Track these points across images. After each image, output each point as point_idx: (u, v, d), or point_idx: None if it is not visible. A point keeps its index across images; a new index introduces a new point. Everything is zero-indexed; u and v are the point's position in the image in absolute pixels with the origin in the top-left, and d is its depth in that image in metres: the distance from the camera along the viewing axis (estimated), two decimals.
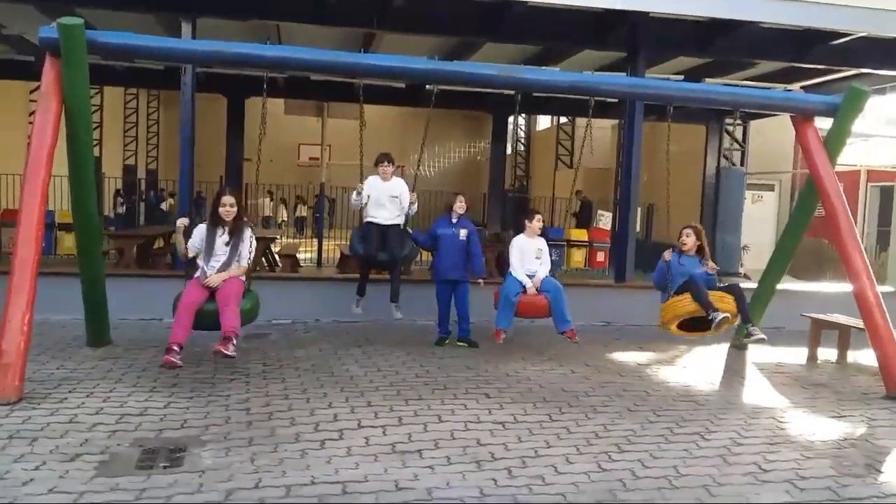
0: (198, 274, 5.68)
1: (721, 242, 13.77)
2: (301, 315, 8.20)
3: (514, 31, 9.15)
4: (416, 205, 7.02)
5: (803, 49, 9.76)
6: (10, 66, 12.63)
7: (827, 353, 7.32)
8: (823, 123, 6.59)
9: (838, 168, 6.71)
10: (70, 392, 4.99)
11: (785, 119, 7.32)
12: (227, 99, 14.62)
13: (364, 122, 6.79)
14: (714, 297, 6.08)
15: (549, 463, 4.06)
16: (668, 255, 6.44)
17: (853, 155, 16.91)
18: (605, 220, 12.87)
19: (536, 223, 6.98)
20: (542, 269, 6.81)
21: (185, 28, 8.34)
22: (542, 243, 6.97)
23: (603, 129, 19.03)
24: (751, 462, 4.21)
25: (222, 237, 5.73)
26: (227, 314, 5.37)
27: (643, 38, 9.13)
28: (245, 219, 6.01)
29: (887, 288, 9.37)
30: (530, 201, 18.29)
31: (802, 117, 6.57)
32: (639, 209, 10.79)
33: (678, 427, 4.81)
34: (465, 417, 4.82)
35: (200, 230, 5.79)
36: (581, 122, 21.62)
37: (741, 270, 13.85)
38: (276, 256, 11.96)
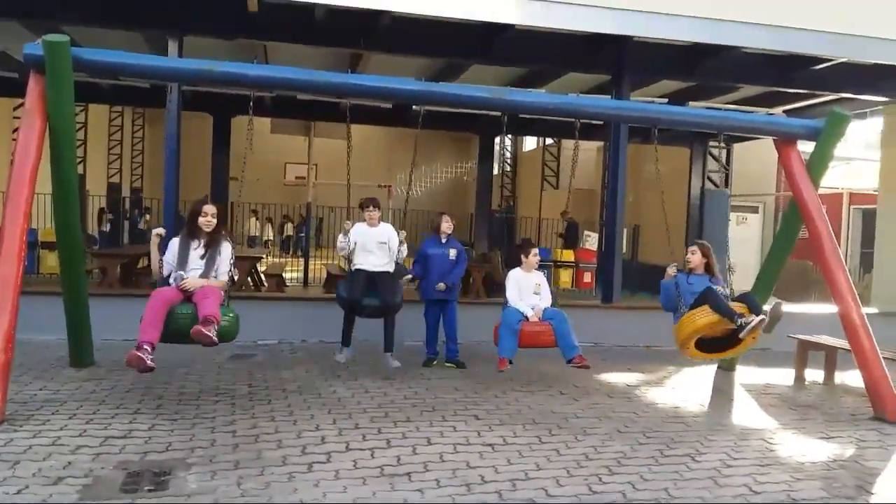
0: (173, 278, 5.29)
1: None
2: (287, 335, 8.13)
3: (500, 54, 9.22)
4: (405, 245, 6.73)
5: (785, 74, 9.91)
6: None
7: (814, 375, 7.36)
8: (806, 147, 6.67)
9: (821, 191, 6.78)
10: (53, 414, 4.89)
11: (768, 141, 7.41)
12: (213, 117, 14.57)
13: (351, 143, 6.50)
14: (734, 306, 5.75)
15: (540, 485, 4.02)
16: (671, 271, 6.23)
17: (836, 178, 17.18)
18: (591, 240, 12.91)
19: (533, 258, 6.74)
20: (543, 302, 6.55)
21: (172, 46, 8.33)
22: (540, 278, 6.77)
23: (588, 151, 19.17)
24: (742, 484, 4.20)
25: (197, 250, 5.37)
26: (206, 305, 4.94)
27: (628, 62, 9.25)
28: (224, 233, 5.66)
29: (872, 309, 9.45)
30: (517, 221, 18.32)
31: (785, 141, 6.64)
32: (624, 230, 10.83)
33: (668, 449, 4.80)
34: (455, 439, 4.78)
35: (174, 243, 5.42)
36: (567, 143, 21.80)
37: (727, 292, 13.94)
38: (262, 276, 11.87)
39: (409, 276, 7.16)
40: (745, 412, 6.00)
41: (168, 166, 8.37)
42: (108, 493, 3.65)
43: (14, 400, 5.02)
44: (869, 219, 15.38)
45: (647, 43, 9.00)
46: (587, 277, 12.81)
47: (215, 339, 4.87)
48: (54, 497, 3.55)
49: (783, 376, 7.42)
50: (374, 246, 6.60)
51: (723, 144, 14.23)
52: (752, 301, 5.90)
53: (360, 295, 6.33)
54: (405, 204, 6.96)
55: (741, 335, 5.59)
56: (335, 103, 12.39)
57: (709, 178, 14.91)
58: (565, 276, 12.60)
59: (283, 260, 16.60)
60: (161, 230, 5.52)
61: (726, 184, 15.08)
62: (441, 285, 7.05)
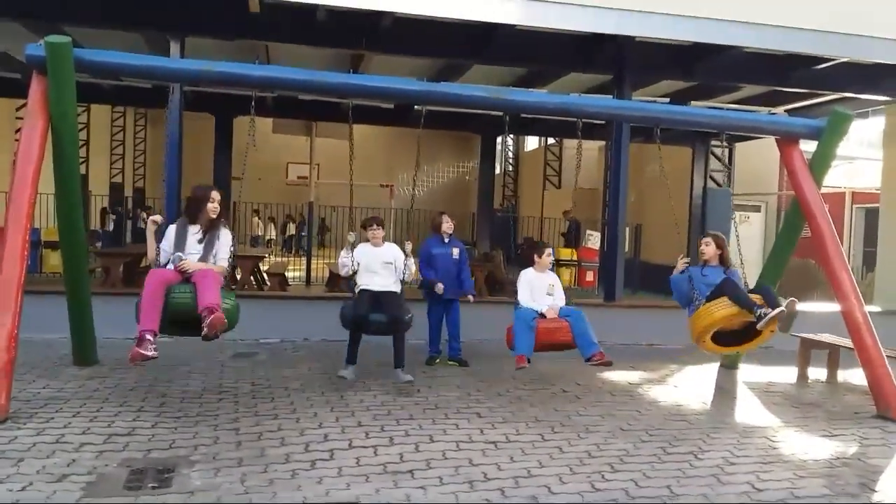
0: (171, 260, 5.11)
1: None
2: (290, 334, 8.15)
3: (502, 54, 9.23)
4: (412, 261, 6.47)
5: (787, 73, 9.91)
6: None
7: (817, 373, 7.36)
8: (808, 146, 6.68)
9: (824, 190, 6.78)
10: (57, 412, 4.90)
11: (770, 141, 7.41)
12: (215, 118, 14.59)
13: (353, 143, 6.35)
14: (751, 298, 5.68)
15: (543, 483, 4.03)
16: (681, 265, 6.14)
17: (838, 177, 17.17)
18: (593, 239, 12.92)
19: (546, 258, 6.52)
20: (558, 303, 6.31)
21: (174, 47, 8.35)
22: (553, 278, 6.55)
23: (590, 150, 19.16)
24: (744, 482, 4.20)
25: (196, 234, 5.25)
26: (207, 292, 4.79)
27: (629, 62, 9.25)
28: (223, 220, 5.49)
29: (874, 308, 9.45)
30: (519, 221, 18.34)
31: (788, 140, 6.64)
32: (626, 229, 10.84)
33: (671, 446, 4.80)
34: (457, 437, 4.78)
35: (171, 229, 5.27)
36: (568, 143, 21.79)
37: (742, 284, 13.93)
38: (265, 275, 11.89)
39: (440, 286, 6.96)
40: (748, 410, 6.00)
41: (170, 166, 8.38)
42: (112, 490, 3.66)
43: (18, 398, 5.03)
44: (871, 218, 15.37)
45: (648, 42, 9.00)
46: (589, 276, 12.83)
47: (224, 322, 4.72)
48: (58, 494, 3.56)
49: (786, 374, 7.42)
50: (379, 266, 6.34)
51: (725, 144, 14.25)
52: (768, 293, 5.81)
53: (366, 312, 5.96)
54: (411, 204, 6.79)
55: (759, 326, 5.51)
56: (337, 103, 12.40)
57: (711, 178, 14.90)
58: (567, 275, 12.61)
59: (285, 259, 16.62)
60: (158, 217, 5.39)
61: (728, 183, 15.08)
62: (470, 298, 7.22)
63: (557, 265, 12.49)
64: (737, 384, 7.04)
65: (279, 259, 16.75)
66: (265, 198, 17.55)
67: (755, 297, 5.74)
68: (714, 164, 15.01)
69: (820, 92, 11.13)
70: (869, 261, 15.11)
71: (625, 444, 4.81)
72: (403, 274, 6.39)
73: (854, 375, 6.99)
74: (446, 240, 7.23)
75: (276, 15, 8.40)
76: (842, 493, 4.08)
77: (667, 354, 8.13)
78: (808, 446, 4.96)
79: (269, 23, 8.60)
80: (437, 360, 7.15)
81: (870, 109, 12.59)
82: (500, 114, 6.94)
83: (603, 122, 11.28)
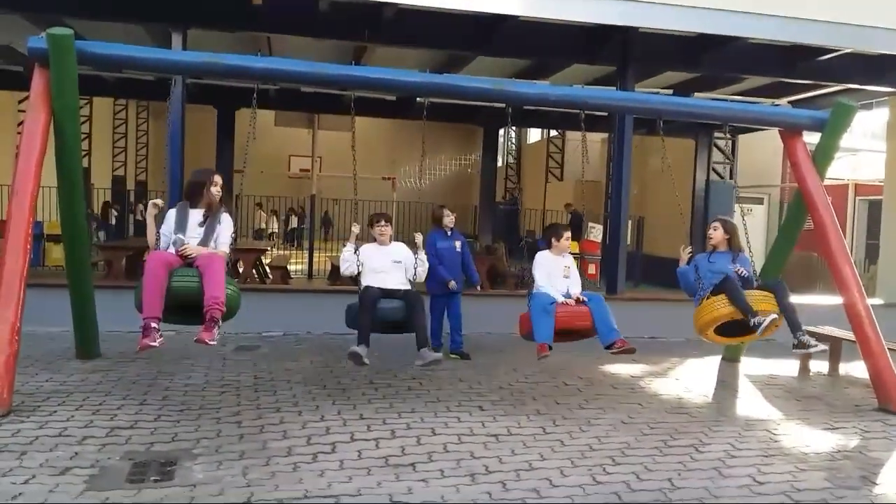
0: (172, 242, 5.04)
1: None
2: (292, 327, 8.15)
3: (505, 45, 9.20)
4: (424, 256, 6.12)
5: (790, 64, 9.87)
6: None
7: (819, 366, 7.35)
8: (811, 138, 6.65)
9: (827, 182, 6.76)
10: (59, 405, 4.92)
11: (773, 133, 7.38)
12: (218, 110, 14.59)
13: (355, 136, 6.12)
14: (754, 297, 5.58)
15: (544, 476, 4.04)
16: (684, 255, 6.03)
17: (841, 169, 17.12)
18: (595, 232, 12.89)
19: (565, 241, 6.15)
20: (574, 287, 6.00)
21: (176, 39, 8.33)
22: (569, 260, 6.19)
23: (593, 143, 19.13)
24: (745, 475, 4.20)
25: (196, 218, 5.16)
26: (211, 280, 4.70)
27: (633, 53, 9.21)
28: (223, 206, 5.40)
29: (877, 300, 9.45)
30: (521, 213, 18.32)
31: (791, 132, 6.61)
32: (629, 221, 10.82)
33: (672, 439, 4.80)
34: (459, 430, 4.79)
35: (171, 213, 5.18)
36: (571, 135, 21.74)
37: (751, 271, 13.91)
38: (267, 268, 11.90)
39: (453, 283, 6.92)
40: (750, 403, 6.00)
41: (172, 159, 8.38)
42: (115, 483, 3.68)
43: (21, 391, 5.05)
44: (874, 210, 15.34)
45: (651, 34, 8.95)
46: (592, 269, 12.79)
47: (215, 342, 4.68)
48: (61, 487, 3.58)
49: (788, 367, 7.41)
50: (389, 265, 5.91)
51: (728, 136, 14.19)
52: (779, 290, 5.72)
53: (377, 298, 5.56)
54: (418, 196, 6.67)
55: (756, 334, 5.53)
56: (339, 96, 12.39)
57: (714, 170, 14.86)
58: None
59: (287, 252, 16.64)
60: (159, 201, 5.31)
61: (731, 175, 15.04)
62: (478, 288, 7.29)
63: None
64: (738, 377, 7.04)
65: (281, 252, 16.76)
66: (267, 190, 17.56)
67: (761, 296, 5.65)
68: (717, 156, 14.97)
69: (824, 83, 11.08)
70: (872, 253, 15.08)
71: (626, 437, 4.81)
72: (415, 272, 6.04)
73: (856, 368, 6.98)
74: (449, 233, 7.23)
75: (278, 7, 8.38)
76: (843, 486, 4.08)
77: (669, 347, 8.13)
78: (810, 439, 4.96)
79: (271, 14, 8.58)
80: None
81: (874, 101, 12.55)
82: (503, 106, 6.93)
83: (606, 114, 11.25)
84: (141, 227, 19.52)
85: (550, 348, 5.56)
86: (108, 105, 22.79)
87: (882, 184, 13.03)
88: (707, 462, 4.39)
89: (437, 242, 7.13)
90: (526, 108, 13.20)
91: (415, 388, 5.86)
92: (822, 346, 5.60)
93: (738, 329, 5.80)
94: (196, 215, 5.18)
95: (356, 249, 5.93)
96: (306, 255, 13.16)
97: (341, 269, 6.11)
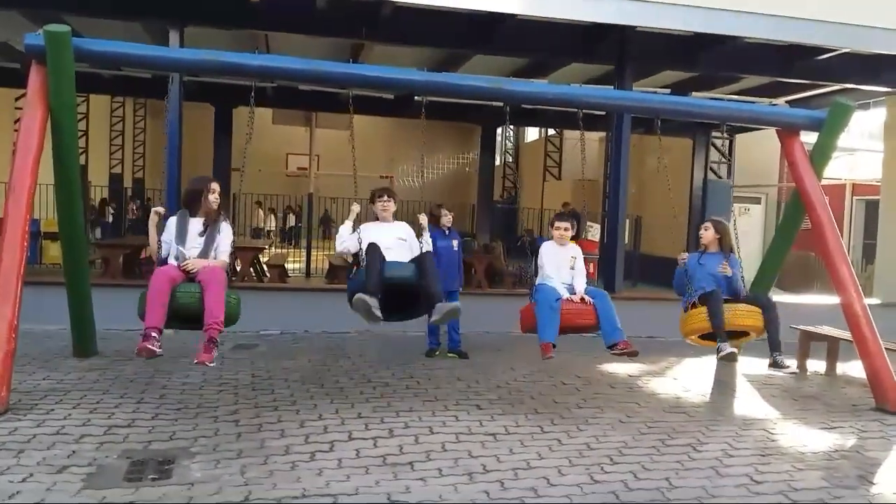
0: (174, 256, 5.13)
1: None
2: (289, 326, 8.15)
3: (503, 44, 9.21)
4: (428, 237, 5.73)
5: (788, 64, 9.89)
6: None
7: (816, 365, 7.36)
8: (809, 138, 6.66)
9: (824, 182, 6.76)
10: (57, 403, 4.91)
11: (771, 133, 7.39)
12: (215, 108, 14.57)
13: (353, 134, 5.98)
14: (738, 312, 5.60)
15: (542, 475, 4.03)
16: (682, 259, 6.02)
17: (839, 169, 17.16)
18: (593, 231, 12.91)
19: (559, 230, 5.90)
20: (579, 278, 5.81)
21: (173, 36, 8.32)
22: (575, 251, 5.95)
23: (591, 142, 19.15)
24: (743, 473, 4.20)
25: (196, 227, 5.23)
26: (212, 299, 4.82)
27: (630, 52, 9.23)
28: (222, 213, 5.50)
29: (874, 300, 9.46)
30: (519, 212, 18.32)
31: (788, 131, 6.61)
32: (627, 221, 10.84)
33: (670, 438, 4.80)
34: (457, 429, 4.79)
35: (172, 221, 5.25)
36: (569, 134, 21.75)
37: (739, 275, 13.95)
38: (264, 267, 11.90)
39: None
40: (747, 402, 6.01)
41: (170, 157, 8.38)
42: (112, 481, 3.67)
43: (18, 389, 5.03)
44: (871, 210, 15.37)
45: (649, 33, 8.97)
46: (589, 268, 12.80)
47: (214, 364, 4.97)
48: (59, 485, 3.57)
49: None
50: (393, 242, 5.50)
51: (725, 135, 14.21)
52: (766, 304, 5.80)
53: (383, 265, 5.05)
54: (416, 194, 6.49)
55: (717, 357, 5.77)
56: (336, 94, 12.38)
57: (711, 169, 14.89)
58: None
59: (285, 251, 16.63)
60: (161, 208, 5.40)
61: (729, 175, 15.06)
62: None
63: None
64: (736, 376, 7.04)
65: (279, 251, 16.75)
66: (265, 189, 17.55)
67: (747, 310, 5.77)
68: (714, 155, 14.99)
69: (821, 83, 11.11)
70: (869, 253, 15.12)
71: (624, 436, 4.81)
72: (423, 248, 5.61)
73: (853, 368, 6.99)
74: (447, 232, 7.23)
75: (275, 4, 8.37)
76: (840, 486, 4.09)
77: (666, 347, 8.13)
78: (807, 439, 4.97)
79: (268, 12, 8.57)
80: (437, 353, 7.16)
81: (871, 101, 12.59)
82: (501, 104, 6.93)
83: (604, 112, 11.26)
84: (135, 226, 19.54)
85: (555, 347, 5.44)
86: (106, 103, 22.75)
87: (879, 184, 13.06)
88: (704, 461, 4.39)
89: (436, 242, 7.12)
90: (524, 106, 13.21)
91: (413, 387, 5.86)
92: (793, 368, 5.77)
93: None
94: (196, 224, 5.25)
95: (356, 229, 5.53)
96: (304, 253, 13.16)
97: (337, 248, 5.74)
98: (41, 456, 3.94)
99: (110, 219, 18.53)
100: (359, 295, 4.90)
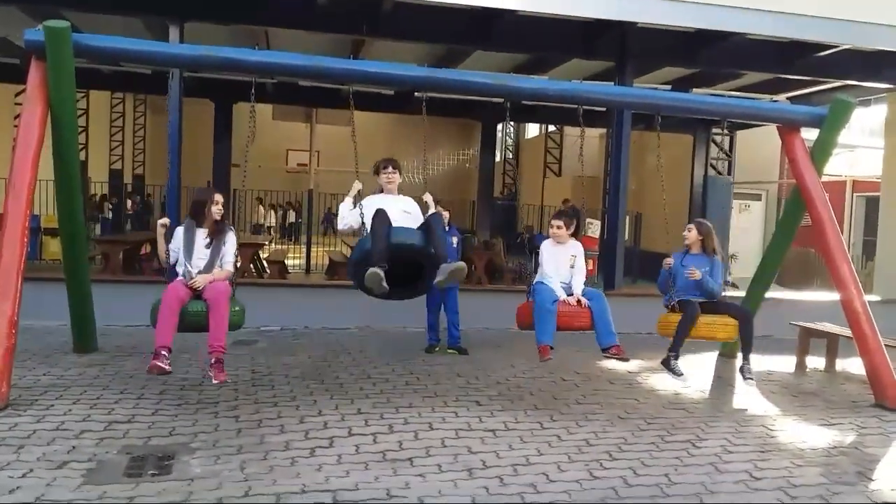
0: (181, 273, 5.30)
1: None
2: (289, 322, 8.15)
3: (503, 40, 9.18)
4: (433, 209, 5.58)
5: (789, 60, 9.87)
6: None
7: (815, 362, 7.37)
8: (809, 134, 6.65)
9: (825, 178, 6.76)
10: (57, 399, 4.92)
11: (771, 129, 7.38)
12: (215, 104, 14.55)
13: (355, 130, 5.79)
14: (716, 326, 5.68)
15: (541, 471, 4.04)
16: (667, 263, 6.05)
17: (839, 165, 17.15)
18: (593, 228, 12.90)
19: (555, 230, 5.86)
20: (577, 278, 5.77)
21: (173, 32, 8.30)
22: (576, 249, 5.88)
23: (591, 138, 19.13)
24: (742, 470, 4.21)
25: (203, 239, 5.39)
26: (215, 323, 5.06)
27: (631, 48, 9.21)
28: (227, 222, 5.67)
29: (874, 297, 9.46)
30: (519, 208, 18.31)
31: (789, 128, 6.61)
32: (627, 217, 10.83)
33: (669, 435, 4.81)
34: (456, 425, 4.80)
35: (178, 234, 5.41)
36: (569, 130, 21.73)
37: (729, 279, 13.94)
38: (265, 263, 11.90)
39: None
40: (746, 399, 6.02)
41: (171, 153, 8.36)
42: (112, 477, 3.68)
43: (18, 385, 5.05)
44: (872, 206, 15.37)
45: (650, 29, 8.95)
46: (589, 265, 12.78)
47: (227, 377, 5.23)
48: (59, 481, 3.58)
49: (784, 363, 7.43)
50: (398, 215, 5.20)
51: (726, 131, 14.20)
52: (744, 318, 5.81)
53: (389, 230, 4.87)
54: (424, 188, 6.24)
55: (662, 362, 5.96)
56: (337, 90, 12.36)
57: (712, 166, 14.87)
58: None
59: (285, 247, 16.63)
60: (166, 220, 5.54)
61: (729, 171, 15.05)
62: None
63: None
64: (735, 373, 7.01)
65: (279, 247, 16.75)
66: (265, 185, 17.54)
67: (723, 323, 5.75)
68: (715, 152, 14.98)
69: (822, 79, 11.08)
70: (869, 250, 15.12)
71: (623, 432, 4.82)
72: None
73: (852, 364, 7.00)
74: (447, 228, 7.20)
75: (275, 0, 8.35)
76: (839, 482, 4.10)
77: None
78: (806, 435, 4.97)
79: (268, 8, 8.56)
80: (437, 349, 7.17)
81: (871, 97, 12.55)
82: (501, 101, 6.90)
83: (604, 109, 11.24)
84: (134, 220, 19.54)
85: (552, 349, 5.42)
86: (106, 98, 22.71)
87: (879, 180, 13.04)
88: (704, 457, 4.40)
89: None
90: (524, 103, 13.19)
91: (412, 384, 5.86)
92: (753, 383, 5.83)
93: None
94: (202, 236, 5.41)
95: (357, 203, 5.36)
96: (304, 249, 13.15)
97: (339, 225, 5.59)
98: (41, 451, 3.95)
99: (109, 215, 18.50)
100: (370, 270, 4.75)
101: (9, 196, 5.11)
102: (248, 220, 20.27)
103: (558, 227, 5.84)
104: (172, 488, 3.56)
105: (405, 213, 5.41)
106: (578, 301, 5.55)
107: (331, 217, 20.53)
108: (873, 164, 15.59)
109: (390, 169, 5.71)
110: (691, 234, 6.17)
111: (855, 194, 17.23)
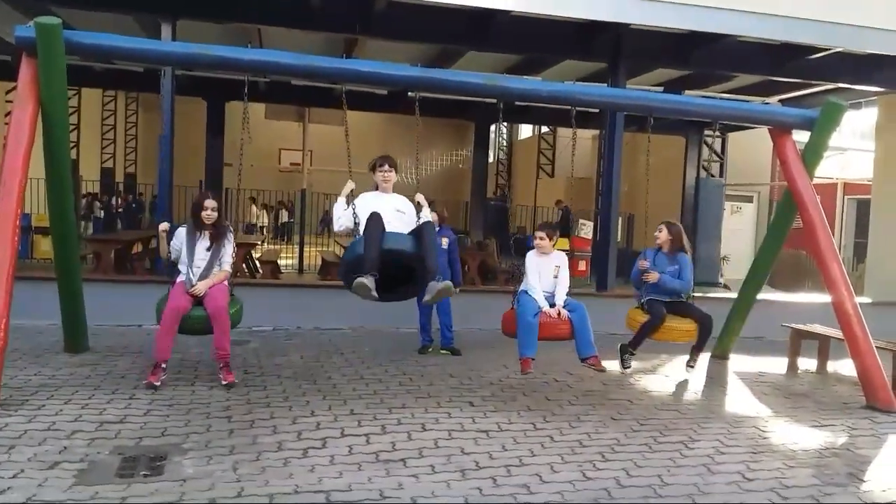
0: (181, 278, 5.47)
1: (700, 252, 13.91)
2: (282, 322, 8.13)
3: (497, 40, 9.19)
4: (427, 213, 5.59)
5: (780, 63, 9.92)
6: None
7: (807, 363, 7.41)
8: (801, 137, 6.69)
9: (816, 181, 6.80)
10: (48, 399, 4.89)
11: (763, 132, 7.42)
12: (207, 102, 14.50)
13: (348, 129, 5.81)
14: (676, 332, 6.12)
15: (534, 472, 4.05)
16: (642, 265, 6.32)
17: (830, 168, 17.25)
18: (586, 229, 12.92)
19: (539, 241, 6.03)
20: (560, 289, 5.91)
21: (165, 30, 8.27)
22: (560, 260, 6.04)
23: (584, 139, 19.17)
24: (734, 471, 4.23)
25: (203, 242, 5.55)
26: (219, 332, 5.35)
27: (624, 50, 9.23)
28: (226, 223, 5.85)
29: (865, 299, 9.52)
30: (512, 209, 18.30)
31: (781, 130, 6.64)
32: (619, 218, 10.85)
33: (662, 436, 4.82)
34: (449, 426, 4.79)
35: (180, 234, 5.58)
36: (562, 131, 21.78)
37: (721, 281, 14.01)
38: (257, 262, 11.85)
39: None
40: (738, 400, 6.04)
41: (162, 151, 8.33)
42: (104, 477, 3.66)
43: (9, 385, 5.01)
44: (863, 209, 15.46)
45: (642, 30, 8.98)
46: (582, 266, 12.81)
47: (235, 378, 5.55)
48: (50, 481, 3.55)
49: (776, 365, 7.46)
50: (391, 214, 5.24)
51: (718, 133, 14.25)
52: (704, 323, 6.15)
53: (382, 234, 4.91)
54: (416, 187, 6.26)
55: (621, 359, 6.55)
56: (329, 89, 12.34)
57: (704, 168, 14.92)
58: None
59: (278, 247, 16.58)
60: (166, 224, 5.71)
61: (721, 173, 15.11)
62: (456, 290, 6.97)
63: None
64: (727, 374, 7.07)
65: (272, 246, 16.70)
66: (258, 184, 17.48)
67: (683, 329, 6.14)
68: (707, 154, 15.03)
69: (813, 82, 11.15)
70: (860, 252, 15.21)
71: (616, 433, 4.83)
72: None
73: (844, 366, 7.04)
74: (438, 228, 7.18)
75: None
76: (830, 483, 4.12)
77: (658, 344, 8.10)
78: (798, 436, 5.00)
79: (261, 6, 8.53)
80: (430, 349, 7.16)
81: (863, 100, 12.63)
82: (494, 101, 6.90)
83: (597, 110, 11.27)
84: (126, 221, 19.43)
85: (533, 360, 5.56)
86: (97, 96, 22.62)
87: (870, 183, 13.12)
88: (696, 458, 4.42)
89: None
90: (517, 103, 13.22)
91: (405, 384, 5.86)
92: (692, 371, 6.56)
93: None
94: (203, 240, 5.60)
95: (351, 203, 5.40)
96: (296, 249, 13.11)
97: (334, 227, 5.60)
98: (32, 452, 3.92)
99: (101, 214, 18.40)
100: (357, 280, 4.75)
101: None
102: (240, 219, 20.20)
103: (541, 239, 6.02)
104: (165, 489, 3.55)
105: (398, 213, 5.41)
106: (559, 312, 5.70)
107: (328, 220, 20.52)
108: (864, 167, 15.71)
109: (386, 167, 5.68)
110: (662, 235, 6.51)
111: (846, 197, 17.32)
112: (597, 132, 17.27)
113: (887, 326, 7.46)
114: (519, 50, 10.15)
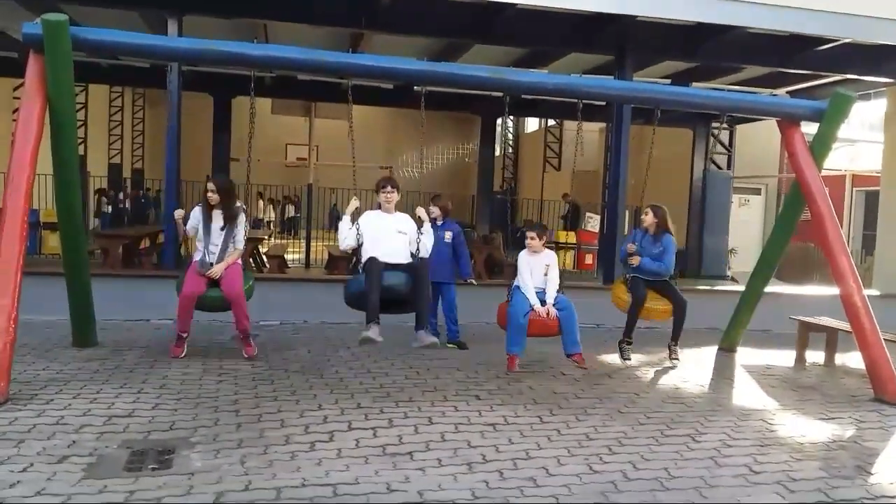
0: (198, 256, 5.94)
1: (708, 245, 13.89)
2: (289, 316, 8.15)
3: (503, 34, 9.17)
4: (429, 228, 5.93)
5: (789, 54, 9.86)
6: None
7: (815, 356, 7.38)
8: (809, 128, 6.65)
9: (824, 173, 6.76)
10: (57, 393, 4.91)
11: (771, 123, 7.38)
12: (214, 98, 14.52)
13: (352, 124, 5.96)
14: (654, 312, 6.66)
15: (541, 465, 4.04)
16: (630, 249, 6.74)
17: (839, 160, 17.14)
18: (592, 222, 12.91)
19: (530, 241, 6.38)
20: (550, 288, 6.24)
21: (171, 26, 8.30)
22: (549, 259, 6.42)
23: (591, 133, 19.11)
24: (741, 464, 4.22)
25: (217, 222, 5.98)
26: (238, 312, 5.89)
27: (631, 42, 9.21)
28: (239, 204, 6.20)
29: (873, 291, 9.48)
30: (518, 203, 18.31)
31: (789, 122, 6.60)
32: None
33: (668, 429, 4.82)
34: (456, 419, 4.80)
35: (196, 213, 6.04)
36: (569, 124, 21.71)
37: (729, 273, 13.97)
38: (264, 257, 11.89)
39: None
40: (746, 393, 6.02)
41: (169, 147, 8.36)
42: (113, 471, 3.67)
43: (18, 379, 5.04)
44: (871, 201, 15.37)
45: (649, 22, 8.94)
46: (588, 259, 12.83)
47: (255, 350, 6.17)
48: (59, 475, 3.58)
49: (784, 358, 7.44)
50: (392, 234, 5.68)
51: (726, 126, 14.19)
52: (679, 307, 6.67)
53: (380, 273, 5.34)
54: (416, 185, 6.61)
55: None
56: (336, 84, 12.35)
57: (711, 160, 14.86)
58: (567, 258, 12.62)
59: (284, 241, 16.62)
60: (181, 211, 6.18)
61: (729, 166, 15.04)
62: (473, 282, 7.41)
63: (557, 248, 12.51)
64: (734, 367, 7.06)
65: (278, 241, 16.74)
66: (264, 179, 17.51)
67: (662, 309, 6.69)
68: (714, 146, 14.96)
69: (822, 73, 11.08)
70: (868, 244, 15.12)
71: (623, 426, 4.83)
72: (418, 246, 5.80)
73: (852, 359, 7.01)
74: (439, 222, 7.14)
75: None
76: (838, 476, 4.10)
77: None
78: (805, 429, 4.98)
79: (268, 1, 8.53)
80: (436, 344, 7.15)
81: (872, 91, 12.55)
82: (501, 95, 6.91)
83: (604, 103, 11.23)
84: (139, 216, 19.52)
85: (519, 357, 6.10)
86: (104, 92, 22.67)
87: (879, 175, 13.04)
88: (703, 452, 4.41)
89: None
90: (524, 97, 13.19)
91: (412, 378, 5.87)
92: (677, 364, 6.82)
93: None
94: (217, 220, 6.02)
95: (354, 222, 5.73)
96: (303, 244, 13.14)
97: (340, 245, 5.97)
98: (41, 446, 3.94)
99: (108, 209, 18.47)
100: (363, 335, 5.34)
101: (8, 190, 5.11)
102: (248, 214, 20.25)
103: (531, 239, 6.38)
104: (173, 482, 3.56)
105: (400, 234, 5.82)
106: (548, 312, 6.09)
107: (337, 214, 20.56)
108: (873, 159, 15.60)
109: (389, 188, 5.99)
110: (648, 217, 6.83)
111: (855, 189, 17.24)
112: (603, 125, 17.22)
113: None
114: (525, 43, 10.13)
